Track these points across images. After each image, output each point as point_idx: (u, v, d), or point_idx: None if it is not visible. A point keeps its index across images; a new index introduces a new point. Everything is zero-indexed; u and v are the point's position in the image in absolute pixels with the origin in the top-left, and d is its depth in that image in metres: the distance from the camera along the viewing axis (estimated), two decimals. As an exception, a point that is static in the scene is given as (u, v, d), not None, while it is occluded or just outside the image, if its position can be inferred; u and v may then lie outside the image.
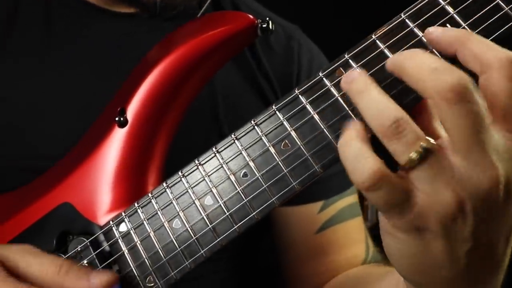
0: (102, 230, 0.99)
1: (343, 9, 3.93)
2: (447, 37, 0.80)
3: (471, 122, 0.72)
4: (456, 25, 0.85)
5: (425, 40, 0.85)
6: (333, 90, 0.88)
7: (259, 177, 0.91)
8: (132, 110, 1.02)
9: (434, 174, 0.74)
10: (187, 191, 0.95)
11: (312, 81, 0.90)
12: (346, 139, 0.78)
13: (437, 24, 0.86)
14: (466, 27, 0.84)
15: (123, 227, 0.98)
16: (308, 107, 0.89)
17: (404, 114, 0.74)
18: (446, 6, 0.87)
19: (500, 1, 0.85)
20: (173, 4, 1.26)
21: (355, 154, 0.76)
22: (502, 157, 0.74)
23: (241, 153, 0.92)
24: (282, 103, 0.91)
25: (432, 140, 0.74)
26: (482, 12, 0.85)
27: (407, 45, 0.86)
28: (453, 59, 0.79)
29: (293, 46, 1.48)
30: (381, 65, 0.87)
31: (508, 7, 0.84)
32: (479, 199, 0.74)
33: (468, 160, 0.74)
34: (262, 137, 0.91)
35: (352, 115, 0.86)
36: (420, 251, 0.79)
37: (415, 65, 0.76)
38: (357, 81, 0.80)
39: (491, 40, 0.83)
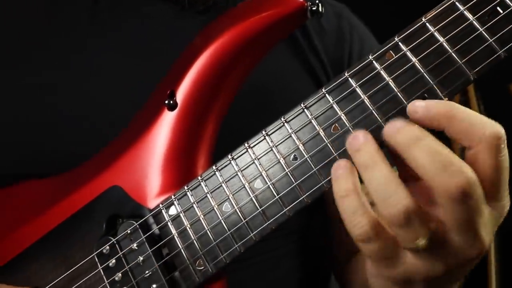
0: (152, 213, 1.00)
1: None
2: (432, 115, 0.82)
3: (469, 216, 0.78)
4: (507, 7, 0.85)
5: (475, 24, 0.85)
6: (383, 73, 0.88)
7: (308, 160, 0.91)
8: (181, 92, 1.02)
9: (432, 254, 0.82)
10: (237, 174, 0.95)
11: (362, 64, 0.90)
12: (344, 191, 0.83)
13: (488, 8, 0.86)
14: None
15: (172, 210, 0.98)
16: (358, 90, 0.89)
17: (415, 204, 0.77)
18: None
19: None
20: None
21: (353, 209, 0.82)
22: (489, 229, 0.82)
23: (290, 136, 0.92)
24: (331, 86, 0.91)
25: (434, 226, 0.80)
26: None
27: (457, 29, 0.86)
28: None
29: (344, 26, 1.47)
30: (431, 49, 0.87)
31: None
32: (464, 265, 0.85)
33: (463, 241, 0.81)
34: (312, 120, 0.91)
35: (403, 99, 0.86)
36: None
37: (424, 158, 0.77)
38: (364, 151, 0.82)
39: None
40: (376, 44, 1.47)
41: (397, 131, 0.80)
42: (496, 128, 0.79)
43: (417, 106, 0.83)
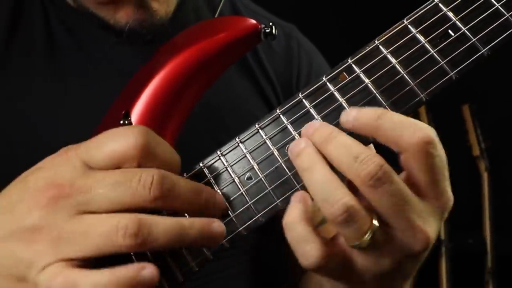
0: None
1: (338, 9, 3.95)
2: (361, 125, 0.85)
3: (393, 200, 0.81)
4: (458, 30, 0.88)
5: (427, 46, 0.88)
6: (336, 94, 0.90)
7: (263, 179, 0.92)
8: (136, 113, 1.03)
9: (377, 249, 0.84)
10: None
11: (316, 85, 0.91)
12: (290, 221, 0.86)
13: (440, 30, 0.88)
14: (466, 31, 0.88)
15: None
16: (312, 111, 0.91)
17: (354, 201, 0.81)
18: (448, 13, 0.89)
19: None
20: (139, 33, 1.24)
21: (299, 239, 0.84)
22: (429, 221, 0.84)
23: (245, 156, 0.94)
24: (286, 106, 0.92)
25: (375, 222, 0.82)
26: (480, 18, 0.88)
27: (410, 51, 0.88)
28: None
29: (293, 46, 1.49)
30: (383, 70, 0.89)
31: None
32: (412, 258, 0.87)
33: (398, 230, 0.83)
34: (267, 140, 0.93)
35: None
36: None
37: (338, 153, 0.83)
38: (303, 155, 0.86)
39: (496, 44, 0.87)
40: (325, 63, 1.50)
41: (313, 131, 0.86)
42: (422, 133, 0.81)
43: (349, 115, 0.86)
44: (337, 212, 0.80)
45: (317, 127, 0.86)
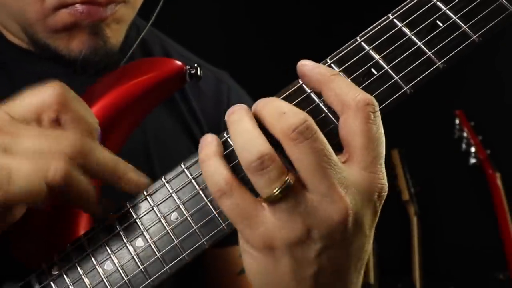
0: (36, 273, 0.99)
1: (272, 55, 3.99)
2: (314, 74, 0.88)
3: (315, 158, 0.80)
4: (380, 69, 0.91)
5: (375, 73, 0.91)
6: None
7: (188, 219, 0.93)
8: None
9: (289, 207, 0.82)
10: (119, 233, 0.96)
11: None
12: (205, 155, 0.89)
13: (363, 69, 0.91)
14: (421, 45, 0.91)
15: (55, 270, 0.98)
16: None
17: (270, 150, 0.81)
18: (371, 52, 0.92)
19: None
20: (93, 61, 1.23)
21: (211, 171, 0.86)
22: (352, 191, 0.83)
23: (171, 195, 0.95)
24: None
25: (291, 178, 0.81)
26: (403, 56, 0.91)
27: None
28: None
29: (222, 89, 1.52)
30: (310, 107, 0.91)
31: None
32: (328, 228, 0.83)
33: (315, 193, 0.82)
34: (192, 180, 0.94)
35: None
36: (269, 269, 0.87)
37: (268, 112, 0.85)
38: (235, 112, 0.88)
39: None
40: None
41: (256, 104, 0.88)
42: (366, 95, 0.84)
43: (306, 64, 0.89)
44: (252, 157, 0.81)
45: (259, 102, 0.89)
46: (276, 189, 0.81)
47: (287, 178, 0.81)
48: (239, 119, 0.86)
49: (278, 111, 0.83)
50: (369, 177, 0.84)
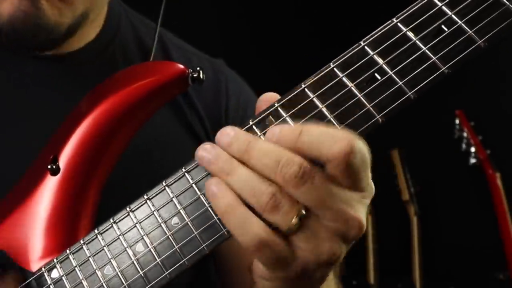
0: (34, 277, 0.99)
1: (268, 43, 3.99)
2: (284, 143, 0.86)
3: (317, 194, 0.84)
4: (384, 74, 0.90)
5: (354, 90, 0.89)
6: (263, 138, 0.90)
7: (189, 224, 0.92)
8: (64, 158, 1.03)
9: (312, 232, 0.86)
10: (119, 238, 0.96)
11: (244, 129, 0.92)
12: (226, 207, 0.87)
13: (366, 74, 0.90)
14: (426, 50, 0.90)
15: (55, 274, 0.98)
16: None
17: (276, 188, 0.84)
18: (375, 57, 0.91)
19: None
20: (20, 29, 1.17)
21: (241, 221, 0.86)
22: (358, 207, 0.88)
23: (172, 200, 0.94)
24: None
25: (303, 210, 0.85)
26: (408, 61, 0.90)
27: (336, 95, 0.90)
28: None
29: (221, 79, 1.50)
30: (310, 115, 0.90)
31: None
32: (350, 240, 0.89)
33: (329, 220, 0.86)
34: (193, 185, 0.93)
35: None
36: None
37: (260, 161, 0.86)
38: (221, 161, 0.88)
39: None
40: (253, 96, 1.51)
41: (230, 141, 0.88)
42: (340, 145, 0.83)
43: (273, 134, 0.87)
44: (265, 200, 0.84)
45: (233, 135, 0.88)
46: (293, 221, 0.84)
47: (300, 211, 0.85)
48: (232, 169, 0.87)
49: (271, 159, 0.85)
50: (365, 194, 0.89)
